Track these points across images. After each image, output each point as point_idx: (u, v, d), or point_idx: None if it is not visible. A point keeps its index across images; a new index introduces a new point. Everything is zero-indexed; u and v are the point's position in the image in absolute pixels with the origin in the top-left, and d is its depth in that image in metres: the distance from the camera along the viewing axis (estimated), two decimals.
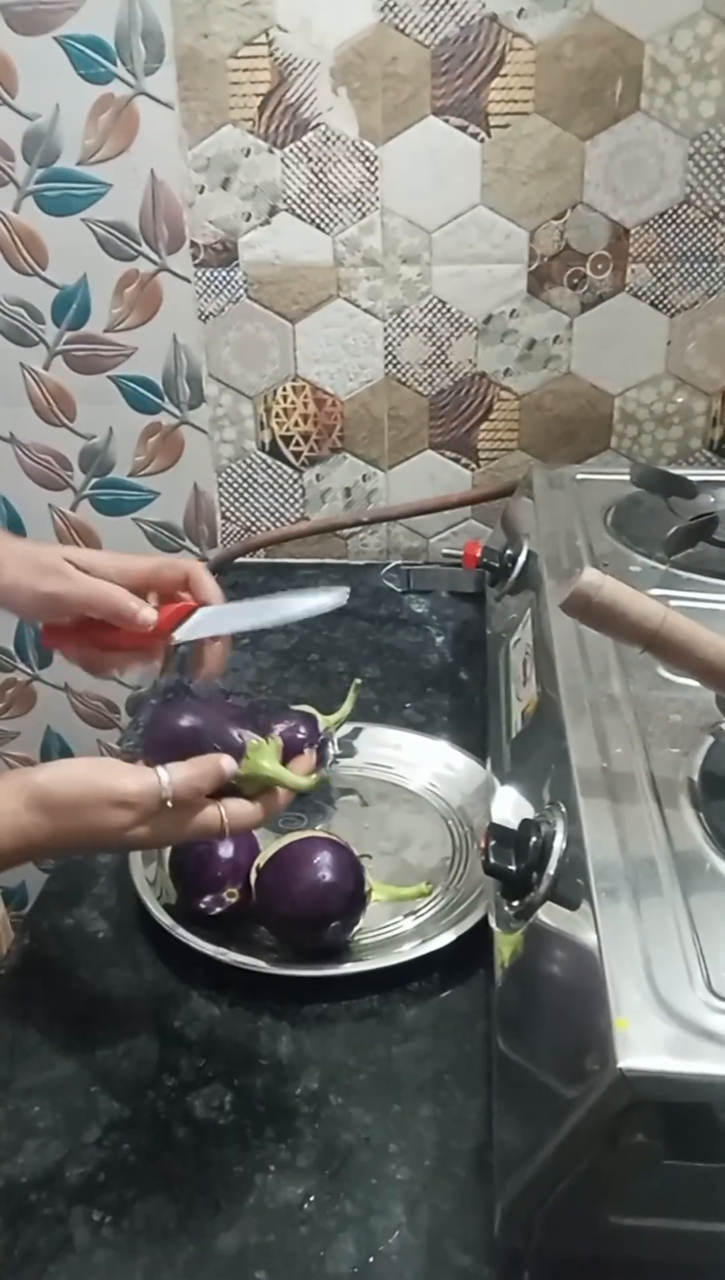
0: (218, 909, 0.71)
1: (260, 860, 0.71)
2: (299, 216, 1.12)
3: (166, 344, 1.21)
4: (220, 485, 1.26)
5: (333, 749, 0.87)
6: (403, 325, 1.16)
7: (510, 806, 0.69)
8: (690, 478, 0.97)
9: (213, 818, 0.62)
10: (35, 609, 0.75)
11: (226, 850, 0.72)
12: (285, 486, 1.25)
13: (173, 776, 0.60)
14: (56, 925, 0.74)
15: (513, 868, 0.57)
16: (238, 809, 0.63)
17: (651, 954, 0.46)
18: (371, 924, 0.73)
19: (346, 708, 0.89)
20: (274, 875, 0.70)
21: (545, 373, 1.17)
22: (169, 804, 0.60)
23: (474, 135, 1.07)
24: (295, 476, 1.25)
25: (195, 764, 0.62)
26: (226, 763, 0.62)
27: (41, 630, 0.78)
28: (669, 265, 1.11)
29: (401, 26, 1.03)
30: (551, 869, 0.55)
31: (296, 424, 1.22)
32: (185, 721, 0.65)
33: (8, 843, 0.58)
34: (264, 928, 0.72)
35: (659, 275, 1.11)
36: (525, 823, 0.58)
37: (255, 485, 1.26)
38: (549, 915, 0.55)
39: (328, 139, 1.08)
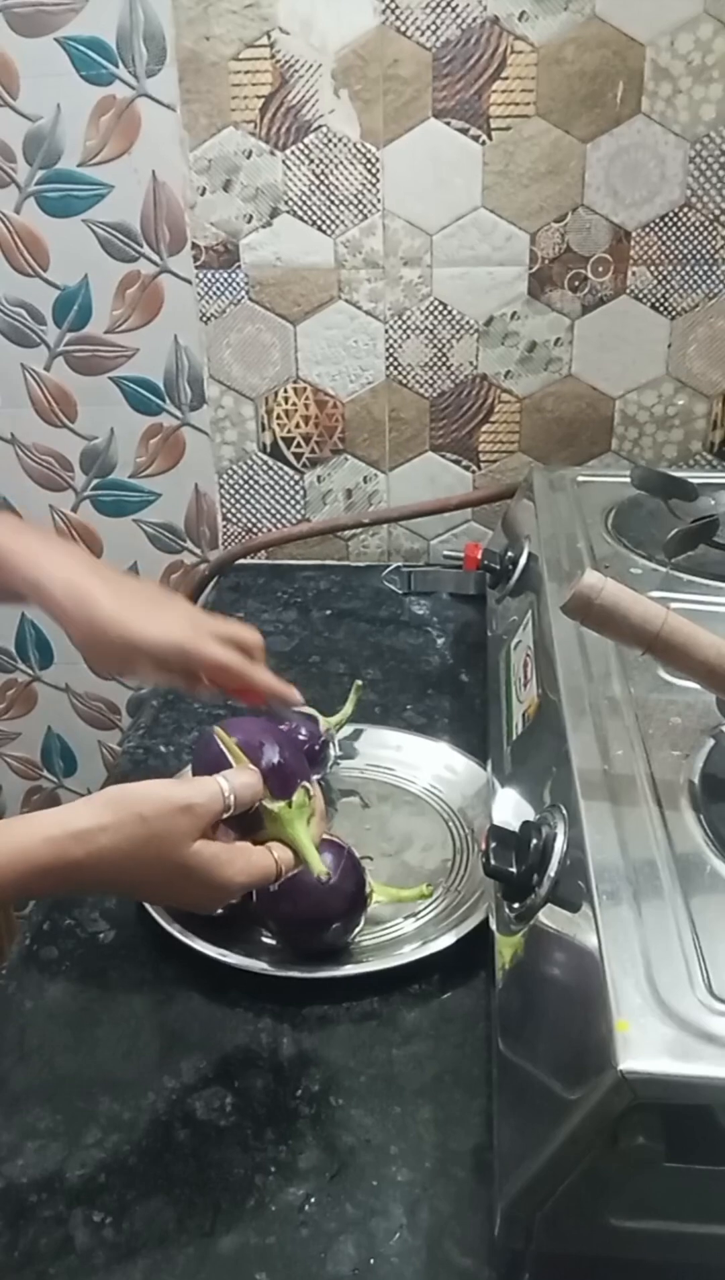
0: (218, 910, 0.72)
1: None
2: (300, 218, 1.12)
3: (168, 345, 1.21)
4: (221, 486, 1.27)
5: (334, 750, 0.87)
6: (404, 327, 1.16)
7: (511, 808, 0.69)
8: (690, 480, 0.97)
9: (267, 860, 0.63)
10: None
11: None
12: (286, 488, 1.26)
13: (232, 781, 0.62)
14: (57, 926, 0.74)
15: (513, 870, 0.57)
16: (283, 853, 0.64)
17: (652, 956, 0.46)
18: (372, 925, 0.73)
19: (347, 709, 0.89)
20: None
21: (546, 375, 1.17)
22: (230, 806, 0.61)
23: (475, 138, 1.07)
24: (296, 478, 1.25)
25: (248, 770, 0.64)
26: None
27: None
28: (670, 268, 1.11)
29: (403, 29, 1.04)
30: (552, 871, 0.55)
31: (297, 425, 1.22)
32: (236, 737, 0.67)
33: (71, 850, 0.56)
34: (265, 929, 0.72)
35: (660, 278, 1.12)
36: (526, 825, 0.58)
37: (256, 487, 1.26)
38: (550, 917, 0.55)
39: (329, 141, 1.09)
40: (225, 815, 0.61)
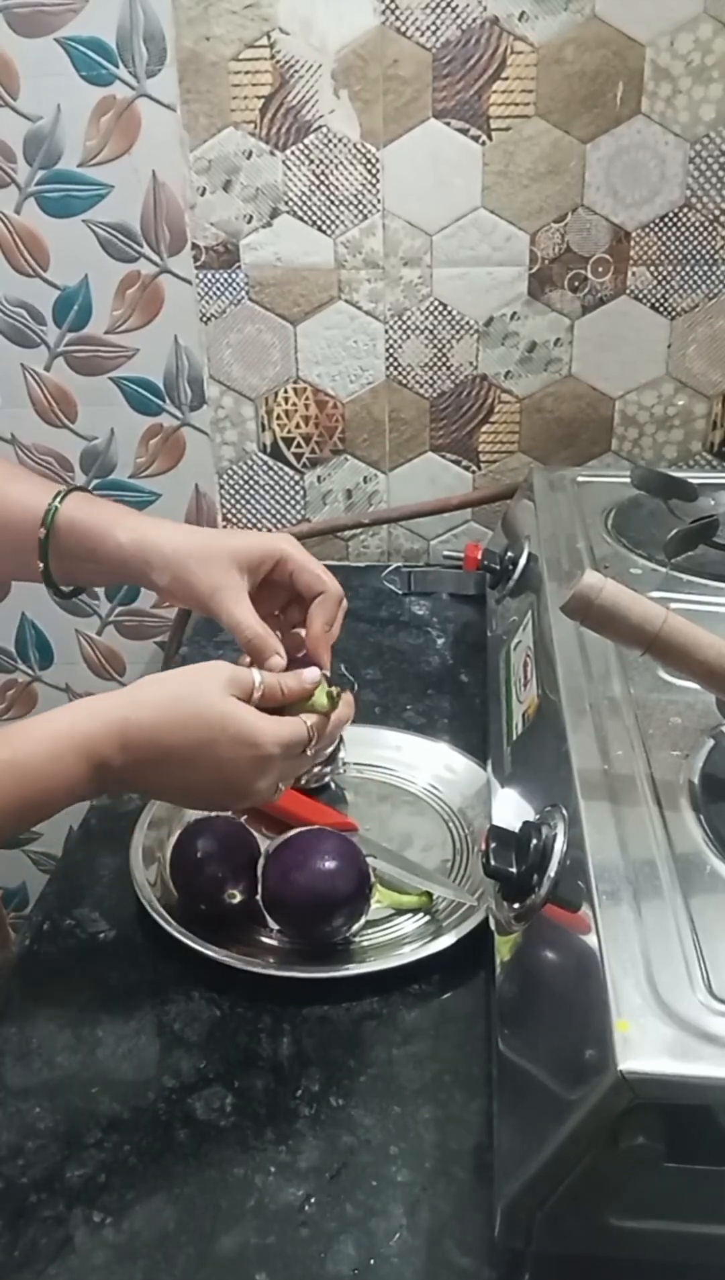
0: (218, 910, 0.72)
1: (268, 847, 0.72)
2: (300, 219, 1.12)
3: (168, 346, 1.21)
4: (221, 487, 1.26)
5: (343, 751, 0.87)
6: (404, 327, 1.16)
7: (511, 809, 0.69)
8: (690, 480, 0.97)
9: (299, 724, 0.66)
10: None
11: (227, 853, 0.72)
12: (286, 488, 1.26)
13: (264, 675, 0.67)
14: (57, 926, 0.74)
15: (513, 870, 0.57)
16: (313, 719, 0.68)
17: (652, 956, 0.46)
18: (372, 925, 0.73)
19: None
20: (282, 860, 0.71)
21: (546, 375, 1.17)
22: (255, 685, 0.66)
23: (475, 138, 1.07)
24: (296, 478, 1.25)
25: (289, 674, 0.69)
26: (310, 673, 0.69)
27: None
28: (669, 268, 1.11)
29: (403, 29, 1.04)
30: (552, 871, 0.55)
31: (298, 426, 1.22)
32: None
33: (104, 740, 0.60)
34: (266, 925, 0.72)
35: (659, 278, 1.12)
36: (526, 825, 0.58)
37: (256, 487, 1.26)
38: (550, 917, 0.55)
39: (329, 141, 1.09)
40: (255, 694, 0.66)
